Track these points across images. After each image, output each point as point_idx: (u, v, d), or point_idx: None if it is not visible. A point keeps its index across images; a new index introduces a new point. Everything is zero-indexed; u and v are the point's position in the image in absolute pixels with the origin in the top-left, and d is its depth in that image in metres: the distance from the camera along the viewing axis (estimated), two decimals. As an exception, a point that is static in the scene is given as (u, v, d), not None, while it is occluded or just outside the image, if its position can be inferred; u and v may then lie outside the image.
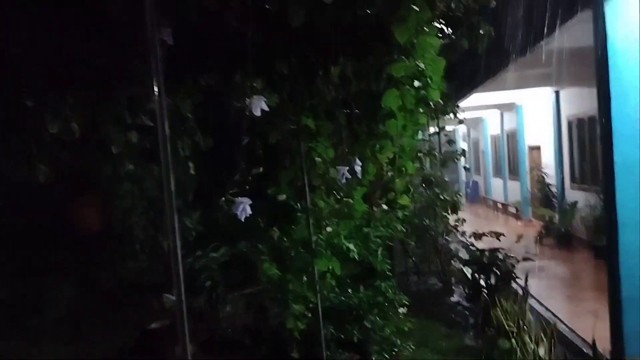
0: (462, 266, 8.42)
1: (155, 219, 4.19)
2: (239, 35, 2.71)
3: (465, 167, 13.69)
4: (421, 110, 3.68)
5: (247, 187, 3.18)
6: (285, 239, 4.47)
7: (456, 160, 9.78)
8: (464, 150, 10.62)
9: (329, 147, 4.53)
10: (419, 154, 8.24)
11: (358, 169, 3.75)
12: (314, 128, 4.42)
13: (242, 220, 2.74)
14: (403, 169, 4.17)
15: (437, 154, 9.02)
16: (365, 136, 4.11)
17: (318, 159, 4.53)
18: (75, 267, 4.94)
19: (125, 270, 4.52)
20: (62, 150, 3.65)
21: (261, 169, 3.80)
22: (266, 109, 2.79)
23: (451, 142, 10.78)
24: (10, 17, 2.71)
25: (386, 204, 5.22)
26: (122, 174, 3.99)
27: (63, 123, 3.41)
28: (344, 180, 3.68)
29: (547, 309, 7.74)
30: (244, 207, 2.71)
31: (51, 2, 2.63)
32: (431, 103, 3.66)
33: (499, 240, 8.08)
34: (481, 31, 4.22)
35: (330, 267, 4.18)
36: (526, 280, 6.94)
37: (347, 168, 3.65)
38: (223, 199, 2.87)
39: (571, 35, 7.05)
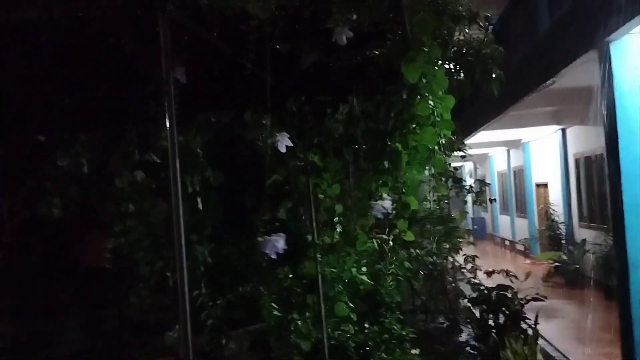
0: (470, 305, 8.28)
1: (163, 252, 4.17)
2: (250, 74, 2.76)
3: (491, 199, 13.70)
4: (437, 147, 3.70)
5: (277, 224, 3.17)
6: (291, 275, 4.44)
7: (485, 200, 9.68)
8: (487, 183, 10.53)
9: (335, 183, 4.55)
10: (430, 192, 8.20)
11: (387, 204, 3.69)
12: (320, 165, 4.44)
13: (274, 257, 2.68)
14: (406, 204, 4.15)
15: (457, 190, 8.99)
16: (371, 172, 4.13)
17: (321, 195, 4.54)
18: (80, 303, 4.91)
19: (129, 306, 4.49)
20: (70, 186, 3.68)
21: (289, 205, 3.79)
22: (290, 145, 2.77)
23: (483, 182, 10.77)
24: (28, 58, 2.78)
25: (393, 241, 5.20)
26: (127, 209, 3.99)
27: (73, 158, 3.45)
28: (380, 216, 3.62)
29: (557, 349, 7.57)
30: (274, 245, 2.66)
31: (67, 42, 2.70)
32: (442, 140, 3.67)
33: (511, 281, 7.97)
34: (494, 75, 4.27)
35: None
36: (536, 320, 6.81)
37: (382, 203, 3.58)
38: (259, 238, 2.83)
39: (577, 74, 7.11)
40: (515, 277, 7.97)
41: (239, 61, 2.69)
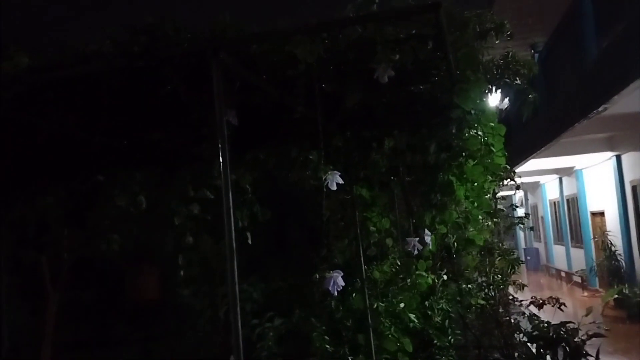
0: (526, 340, 7.96)
1: (217, 288, 4.25)
2: (298, 114, 2.84)
3: (530, 228, 13.41)
4: (490, 178, 3.67)
5: (336, 261, 3.19)
6: (341, 309, 4.42)
7: (522, 225, 9.49)
8: (527, 213, 10.33)
9: (384, 216, 4.53)
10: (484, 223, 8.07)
11: (428, 239, 3.69)
12: (368, 198, 4.45)
13: (335, 294, 2.71)
14: (471, 240, 4.09)
15: (500, 220, 8.83)
16: (423, 206, 4.10)
17: (373, 228, 4.52)
18: (134, 337, 5.04)
19: (182, 340, 4.57)
20: (127, 223, 3.83)
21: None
22: (341, 182, 2.81)
23: (513, 206, 10.57)
24: (92, 106, 2.96)
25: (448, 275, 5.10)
26: (185, 243, 4.10)
27: (130, 196, 3.62)
28: (415, 252, 3.62)
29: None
30: (335, 281, 2.69)
31: (127, 90, 2.86)
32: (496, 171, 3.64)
33: (561, 310, 7.65)
34: (530, 96, 4.19)
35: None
36: (597, 357, 6.50)
37: (418, 239, 3.57)
38: (316, 275, 2.86)
39: (630, 100, 6.93)
40: (564, 304, 7.64)
41: (287, 103, 2.77)
